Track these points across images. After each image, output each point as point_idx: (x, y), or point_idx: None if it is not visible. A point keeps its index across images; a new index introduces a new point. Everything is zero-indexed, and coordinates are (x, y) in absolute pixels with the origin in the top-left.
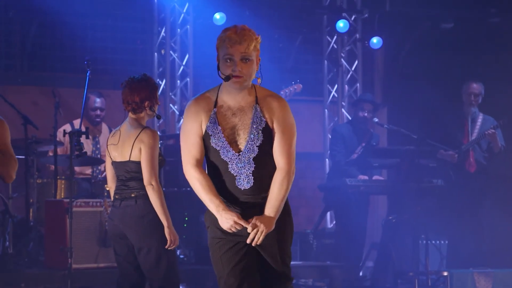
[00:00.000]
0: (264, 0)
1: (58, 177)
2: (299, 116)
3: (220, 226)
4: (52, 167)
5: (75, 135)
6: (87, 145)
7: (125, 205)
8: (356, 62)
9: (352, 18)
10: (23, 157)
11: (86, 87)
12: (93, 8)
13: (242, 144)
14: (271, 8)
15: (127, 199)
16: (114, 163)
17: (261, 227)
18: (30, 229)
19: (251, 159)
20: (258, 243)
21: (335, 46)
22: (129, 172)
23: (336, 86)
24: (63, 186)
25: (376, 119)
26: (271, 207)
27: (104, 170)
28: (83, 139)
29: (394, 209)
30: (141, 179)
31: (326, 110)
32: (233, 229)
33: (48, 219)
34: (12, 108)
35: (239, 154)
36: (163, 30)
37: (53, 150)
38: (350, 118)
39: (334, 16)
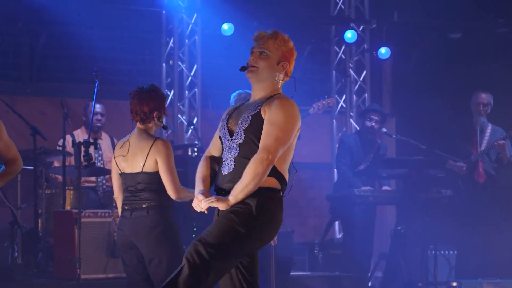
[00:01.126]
0: (272, 10)
1: (66, 187)
2: (307, 127)
3: None
4: (58, 177)
5: (83, 145)
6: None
7: (136, 216)
8: (364, 72)
9: (360, 29)
10: (32, 167)
11: (94, 98)
12: (102, 19)
13: (235, 129)
14: (279, 19)
15: (137, 209)
16: (122, 174)
17: (212, 198)
18: (38, 240)
19: (237, 145)
20: (202, 209)
21: (343, 57)
22: (140, 183)
23: (344, 96)
24: (71, 196)
25: (384, 129)
26: (233, 190)
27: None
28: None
29: (403, 219)
30: (153, 190)
31: (334, 120)
32: (197, 207)
33: (56, 229)
34: (20, 118)
35: (231, 140)
36: (171, 41)
37: (61, 160)
38: (358, 129)
39: (342, 27)
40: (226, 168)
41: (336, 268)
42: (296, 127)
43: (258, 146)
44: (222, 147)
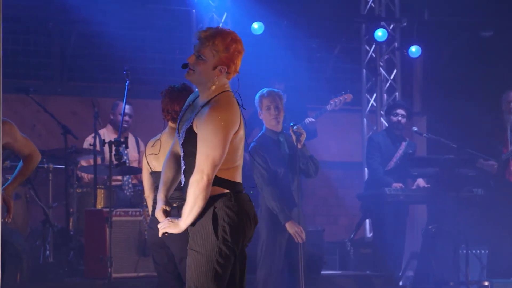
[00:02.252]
0: (302, 9)
1: (97, 186)
2: (337, 125)
3: None
4: (86, 177)
5: (114, 144)
6: None
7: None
8: (395, 71)
9: (391, 27)
10: (63, 166)
11: (125, 97)
12: (132, 18)
13: None
14: (309, 18)
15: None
16: (153, 173)
17: (165, 224)
18: (70, 239)
19: (182, 158)
20: (159, 235)
21: (374, 55)
22: None
23: (374, 95)
24: (102, 195)
25: (415, 128)
26: (182, 212)
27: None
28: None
29: (434, 218)
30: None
31: (364, 119)
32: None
33: (88, 228)
34: (52, 118)
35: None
36: None
37: (88, 160)
38: None
39: (373, 25)
40: (182, 179)
41: (367, 267)
42: (227, 136)
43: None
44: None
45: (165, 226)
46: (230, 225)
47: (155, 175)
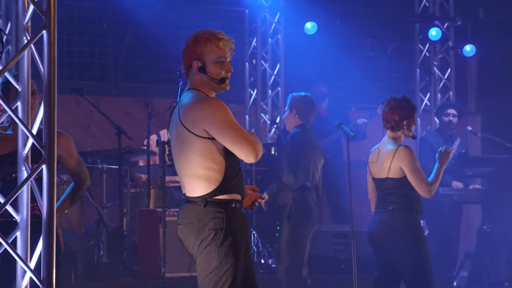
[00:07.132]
0: (356, 9)
1: (151, 186)
2: None
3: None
4: (142, 176)
5: (167, 144)
6: None
7: (383, 217)
8: (449, 70)
9: (445, 26)
10: (117, 167)
11: (178, 98)
12: (185, 19)
13: None
14: (363, 17)
15: (385, 212)
16: (374, 179)
17: None
18: (124, 238)
19: None
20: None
21: (428, 54)
22: (387, 189)
23: (428, 94)
24: (156, 195)
25: (469, 128)
26: None
27: None
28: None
29: (489, 219)
30: (399, 194)
31: (418, 119)
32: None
33: (141, 228)
34: (106, 118)
35: None
36: (254, 40)
37: (146, 160)
38: None
39: (427, 24)
40: None
41: None
42: None
43: None
44: None
45: None
46: None
47: (375, 181)
